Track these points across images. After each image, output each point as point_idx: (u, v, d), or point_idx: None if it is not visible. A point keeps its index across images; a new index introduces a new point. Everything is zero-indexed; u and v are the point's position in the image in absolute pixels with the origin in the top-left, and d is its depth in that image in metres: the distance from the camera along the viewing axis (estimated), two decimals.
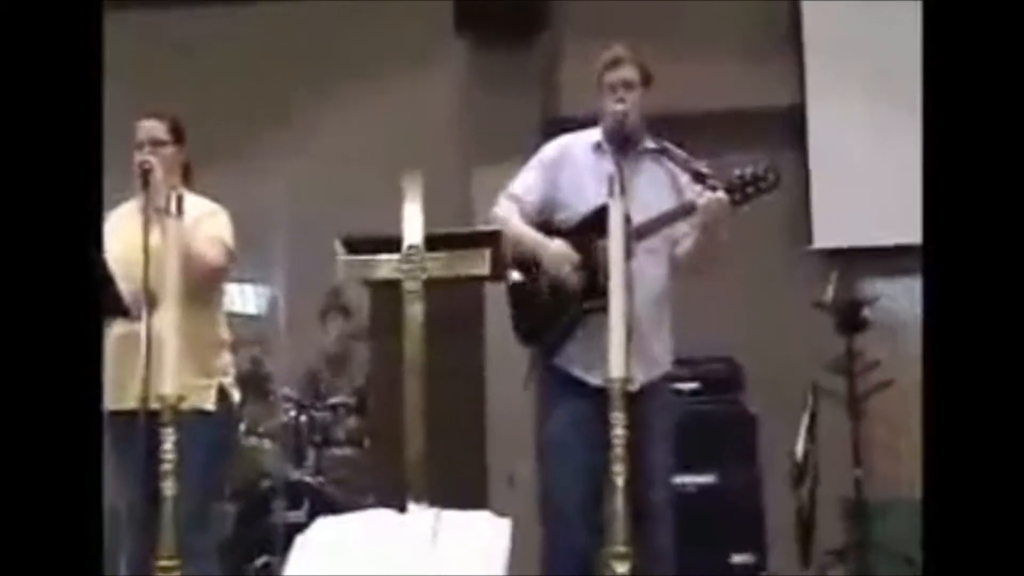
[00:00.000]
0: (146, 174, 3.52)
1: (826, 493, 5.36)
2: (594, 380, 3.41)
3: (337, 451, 5.45)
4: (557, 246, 3.57)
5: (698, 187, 3.50)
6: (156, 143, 3.70)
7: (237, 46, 6.56)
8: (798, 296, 5.62)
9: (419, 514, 3.15)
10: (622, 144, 3.57)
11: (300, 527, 3.23)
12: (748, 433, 5.49)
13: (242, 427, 5.13)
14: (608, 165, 3.48)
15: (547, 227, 3.65)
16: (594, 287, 3.40)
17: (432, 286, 3.42)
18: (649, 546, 3.04)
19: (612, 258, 2.74)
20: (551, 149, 3.73)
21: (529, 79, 6.28)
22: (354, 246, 3.55)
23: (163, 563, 2.64)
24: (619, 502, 2.63)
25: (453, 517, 3.05)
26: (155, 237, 3.30)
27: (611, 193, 2.78)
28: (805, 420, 5.37)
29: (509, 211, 3.68)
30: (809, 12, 6.29)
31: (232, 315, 4.15)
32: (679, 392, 5.16)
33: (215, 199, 3.80)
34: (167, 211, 2.85)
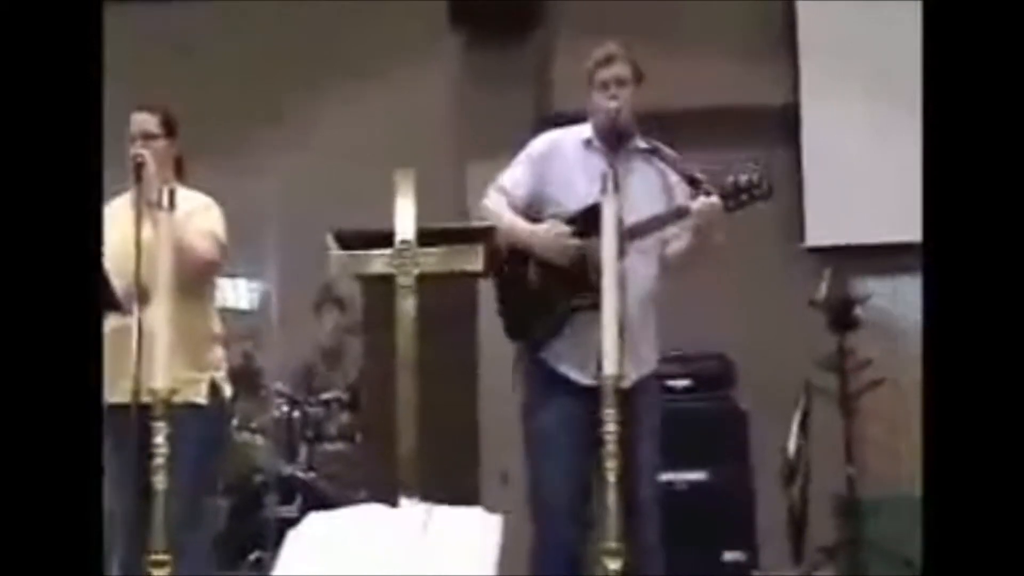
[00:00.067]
0: (138, 168, 3.51)
1: (818, 490, 5.37)
2: (582, 378, 3.42)
3: (329, 446, 5.45)
4: (551, 225, 3.55)
5: (689, 189, 3.51)
6: (148, 136, 3.69)
7: (230, 42, 6.55)
8: (790, 294, 5.63)
9: (411, 510, 3.15)
10: (613, 141, 3.57)
11: (292, 522, 3.22)
12: (740, 430, 5.50)
13: (234, 422, 5.14)
14: (598, 162, 3.48)
15: (535, 222, 3.64)
16: (584, 284, 3.39)
17: (425, 282, 3.42)
18: (637, 543, 3.04)
19: (605, 255, 2.74)
20: (540, 143, 3.72)
21: (523, 76, 6.29)
22: (346, 241, 3.55)
23: (154, 558, 2.64)
24: (611, 499, 2.63)
25: (445, 513, 3.05)
26: (147, 231, 3.30)
27: (604, 190, 2.78)
28: (797, 417, 5.38)
29: (499, 203, 3.67)
30: (803, 11, 6.30)
31: (224, 310, 4.14)
32: (671, 389, 5.18)
33: (208, 193, 3.80)
34: (159, 205, 2.84)
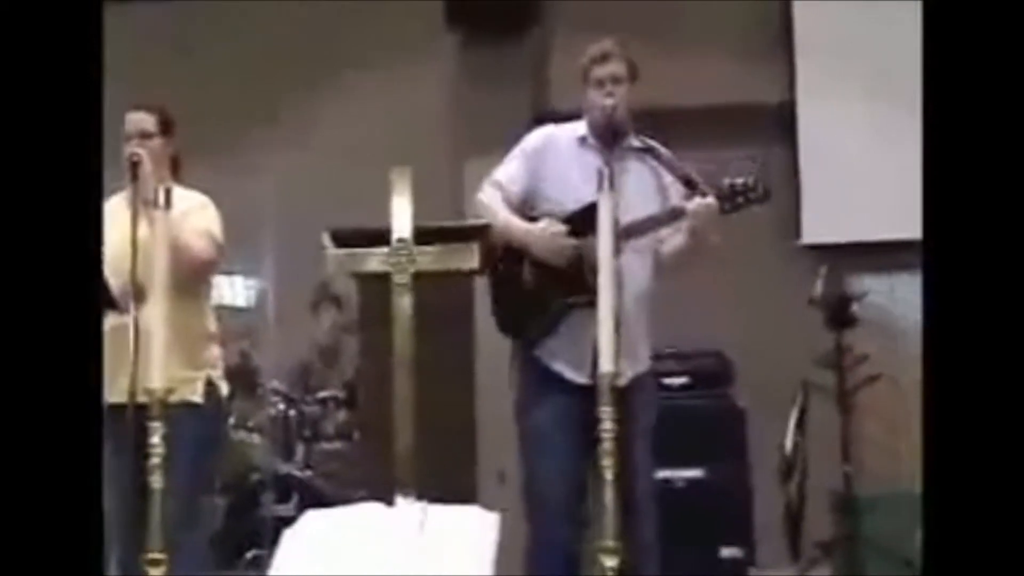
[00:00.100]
0: (135, 166, 3.51)
1: (815, 487, 5.37)
2: (577, 376, 3.43)
3: (326, 445, 5.45)
4: (546, 224, 3.55)
5: (685, 189, 3.51)
6: (144, 135, 3.68)
7: (228, 42, 6.55)
8: (787, 291, 5.63)
9: (408, 508, 3.15)
10: (608, 139, 3.55)
11: (289, 521, 3.23)
12: (737, 427, 5.49)
13: (231, 421, 5.14)
14: (593, 159, 3.47)
15: (530, 218, 3.64)
16: (579, 283, 3.39)
17: (422, 280, 3.42)
18: (634, 540, 3.04)
19: (601, 253, 2.74)
20: (534, 138, 3.72)
21: (520, 75, 6.28)
22: (343, 239, 3.55)
23: (151, 557, 2.64)
24: (608, 496, 2.63)
25: (442, 511, 3.05)
26: (143, 230, 3.30)
27: (600, 188, 2.78)
28: (794, 414, 5.38)
29: (493, 198, 3.67)
30: (799, 10, 6.30)
31: (221, 308, 4.15)
32: (668, 387, 5.19)
33: (205, 192, 3.79)
34: (155, 204, 2.84)
